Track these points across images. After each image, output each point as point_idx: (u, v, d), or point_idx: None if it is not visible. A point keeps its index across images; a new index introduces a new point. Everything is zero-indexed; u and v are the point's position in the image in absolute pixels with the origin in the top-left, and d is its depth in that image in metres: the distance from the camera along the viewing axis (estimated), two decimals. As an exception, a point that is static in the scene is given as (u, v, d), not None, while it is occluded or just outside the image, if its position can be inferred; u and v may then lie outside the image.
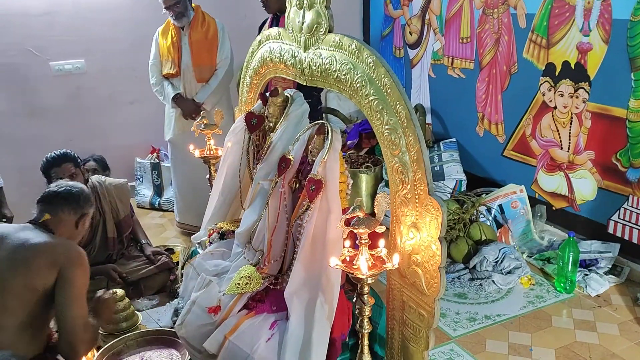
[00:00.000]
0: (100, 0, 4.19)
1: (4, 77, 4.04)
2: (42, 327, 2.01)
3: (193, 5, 3.66)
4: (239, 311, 1.90)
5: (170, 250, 3.46)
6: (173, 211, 4.31)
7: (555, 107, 3.53)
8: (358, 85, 1.70)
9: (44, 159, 2.95)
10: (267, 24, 3.58)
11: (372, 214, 1.60)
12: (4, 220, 3.20)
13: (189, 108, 3.68)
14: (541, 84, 3.59)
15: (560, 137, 3.54)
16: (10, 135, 4.10)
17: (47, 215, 2.06)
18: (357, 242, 1.57)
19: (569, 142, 3.48)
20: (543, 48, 3.53)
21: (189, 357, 2.20)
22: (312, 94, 3.52)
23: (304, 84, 2.03)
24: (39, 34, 4.06)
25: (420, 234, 1.57)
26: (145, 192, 4.61)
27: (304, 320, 1.75)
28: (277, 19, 3.48)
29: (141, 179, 4.64)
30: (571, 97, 3.40)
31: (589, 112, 3.31)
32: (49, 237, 2.01)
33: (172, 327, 2.39)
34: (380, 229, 1.55)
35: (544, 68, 3.55)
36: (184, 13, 3.56)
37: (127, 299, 2.68)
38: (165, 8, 3.53)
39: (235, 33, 3.82)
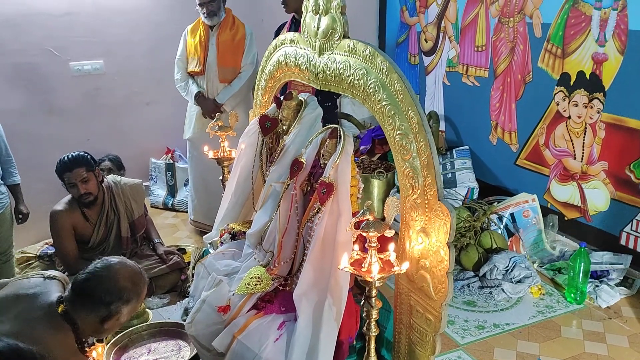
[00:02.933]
0: (120, 2, 4.26)
1: (24, 76, 4.11)
2: None
3: (225, 8, 3.71)
4: (248, 311, 1.92)
5: (182, 250, 3.50)
6: (186, 211, 4.36)
7: (569, 117, 3.52)
8: (371, 90, 1.72)
9: (58, 162, 2.97)
10: (285, 28, 3.60)
11: (383, 219, 1.62)
12: (20, 216, 3.26)
13: (209, 107, 3.74)
14: (555, 94, 3.58)
15: (573, 147, 3.52)
16: (28, 133, 4.16)
17: (61, 306, 1.70)
18: (366, 245, 1.58)
19: (583, 152, 3.46)
20: (558, 58, 3.53)
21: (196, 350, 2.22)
22: (332, 97, 3.56)
23: (318, 88, 2.06)
24: (59, 35, 4.13)
25: (429, 239, 1.59)
26: (159, 192, 4.66)
27: (312, 322, 1.76)
28: (297, 23, 3.50)
29: (155, 179, 4.69)
30: (585, 107, 3.39)
31: (603, 123, 3.30)
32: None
33: (181, 325, 2.42)
34: (389, 233, 1.56)
35: (558, 78, 3.54)
36: (216, 12, 3.61)
37: (138, 297, 2.72)
38: (198, 4, 3.59)
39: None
